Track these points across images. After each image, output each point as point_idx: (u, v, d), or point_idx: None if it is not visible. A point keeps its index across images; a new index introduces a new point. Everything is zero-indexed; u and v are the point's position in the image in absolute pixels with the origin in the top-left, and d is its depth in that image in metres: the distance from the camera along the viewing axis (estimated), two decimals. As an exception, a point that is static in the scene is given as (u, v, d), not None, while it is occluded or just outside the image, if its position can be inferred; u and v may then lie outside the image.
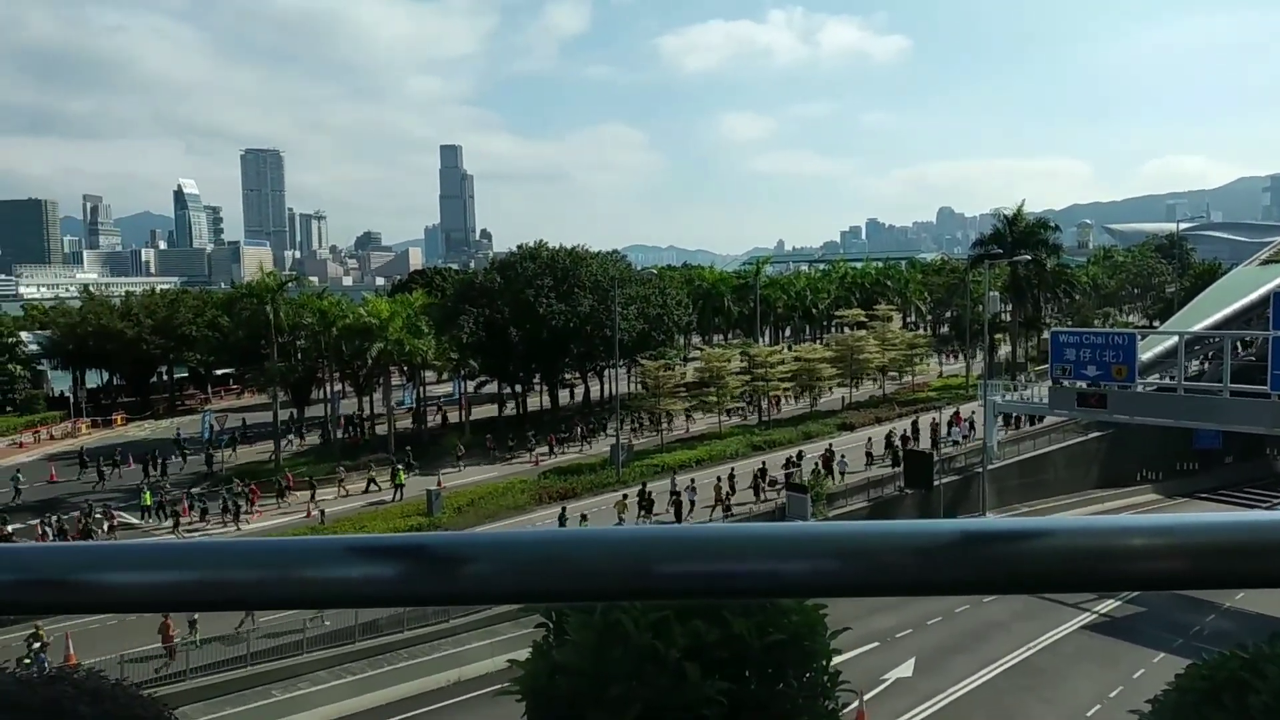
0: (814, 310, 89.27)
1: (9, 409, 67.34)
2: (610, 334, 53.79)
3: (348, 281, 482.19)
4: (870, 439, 50.68)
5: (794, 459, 46.78)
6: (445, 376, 66.86)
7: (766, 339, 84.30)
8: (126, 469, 51.06)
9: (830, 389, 63.79)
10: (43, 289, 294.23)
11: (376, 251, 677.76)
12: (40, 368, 71.73)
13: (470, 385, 63.97)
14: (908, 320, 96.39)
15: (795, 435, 54.60)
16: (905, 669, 27.68)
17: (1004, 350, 75.05)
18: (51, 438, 62.47)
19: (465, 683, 26.21)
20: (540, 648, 8.84)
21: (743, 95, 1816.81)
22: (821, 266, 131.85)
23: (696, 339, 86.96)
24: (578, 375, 66.15)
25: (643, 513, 40.09)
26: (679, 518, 39.11)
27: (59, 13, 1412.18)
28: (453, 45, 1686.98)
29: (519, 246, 64.40)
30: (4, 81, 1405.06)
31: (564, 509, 39.59)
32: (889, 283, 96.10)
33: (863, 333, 67.20)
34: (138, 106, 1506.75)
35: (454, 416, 63.03)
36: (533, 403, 65.21)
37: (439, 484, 44.87)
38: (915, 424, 53.79)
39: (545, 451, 52.92)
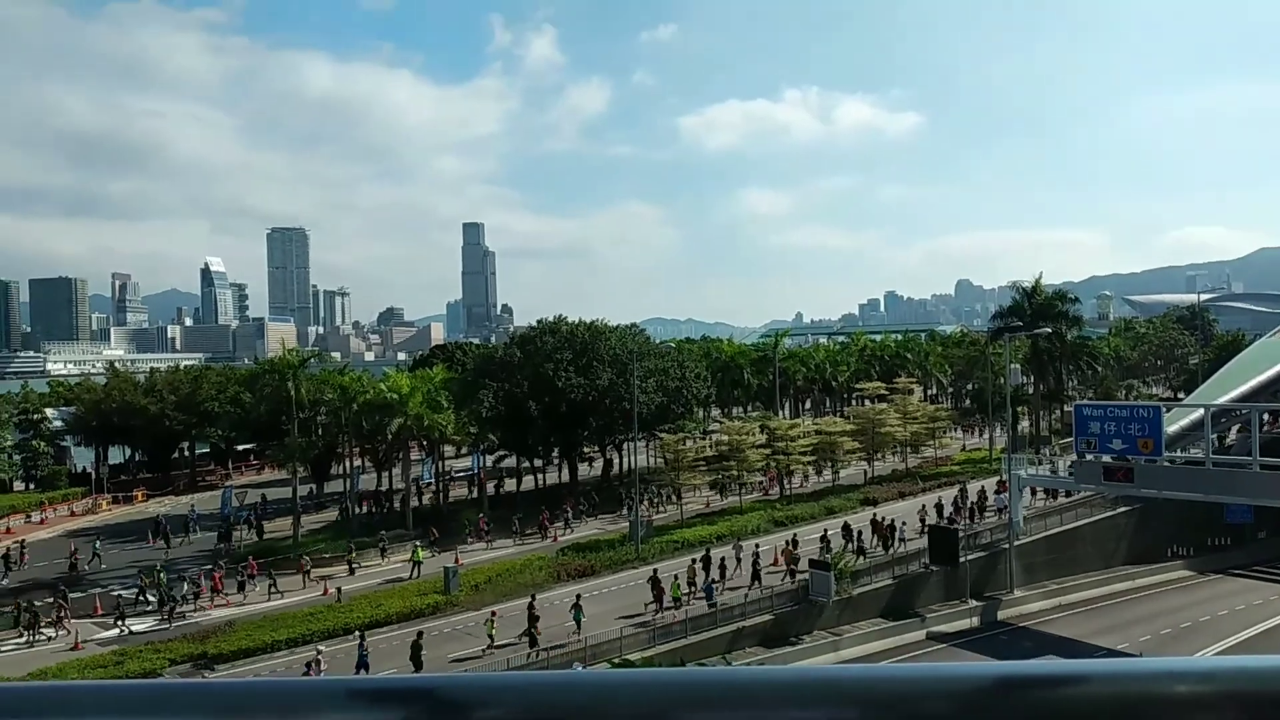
0: (834, 383, 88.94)
1: (32, 485, 67.71)
2: (629, 407, 53.71)
3: (370, 356, 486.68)
4: (925, 506, 50.32)
5: (840, 533, 46.24)
6: (464, 450, 66.76)
7: (786, 412, 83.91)
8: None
9: (851, 462, 63.15)
10: (69, 365, 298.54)
11: (399, 326, 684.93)
12: (64, 444, 72.33)
13: (489, 459, 63.80)
14: (928, 393, 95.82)
15: (818, 510, 53.87)
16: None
17: (1026, 423, 74.26)
18: (72, 514, 62.57)
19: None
20: None
21: (761, 171, 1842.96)
22: (840, 339, 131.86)
23: (716, 412, 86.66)
24: (597, 449, 65.92)
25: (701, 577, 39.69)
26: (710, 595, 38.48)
27: (97, 98, 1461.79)
28: (478, 126, 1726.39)
29: (539, 321, 64.89)
30: (42, 165, 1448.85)
31: (578, 597, 36.93)
32: (909, 355, 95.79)
33: (883, 405, 66.76)
34: (169, 189, 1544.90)
35: (474, 491, 62.73)
36: (551, 477, 64.96)
37: (456, 560, 44.44)
38: (964, 490, 54.05)
39: (561, 526, 52.38)
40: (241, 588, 41.10)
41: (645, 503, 54.90)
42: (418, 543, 46.33)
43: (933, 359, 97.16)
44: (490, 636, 34.25)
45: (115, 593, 40.06)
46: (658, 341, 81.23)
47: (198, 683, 0.80)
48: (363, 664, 31.21)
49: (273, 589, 41.80)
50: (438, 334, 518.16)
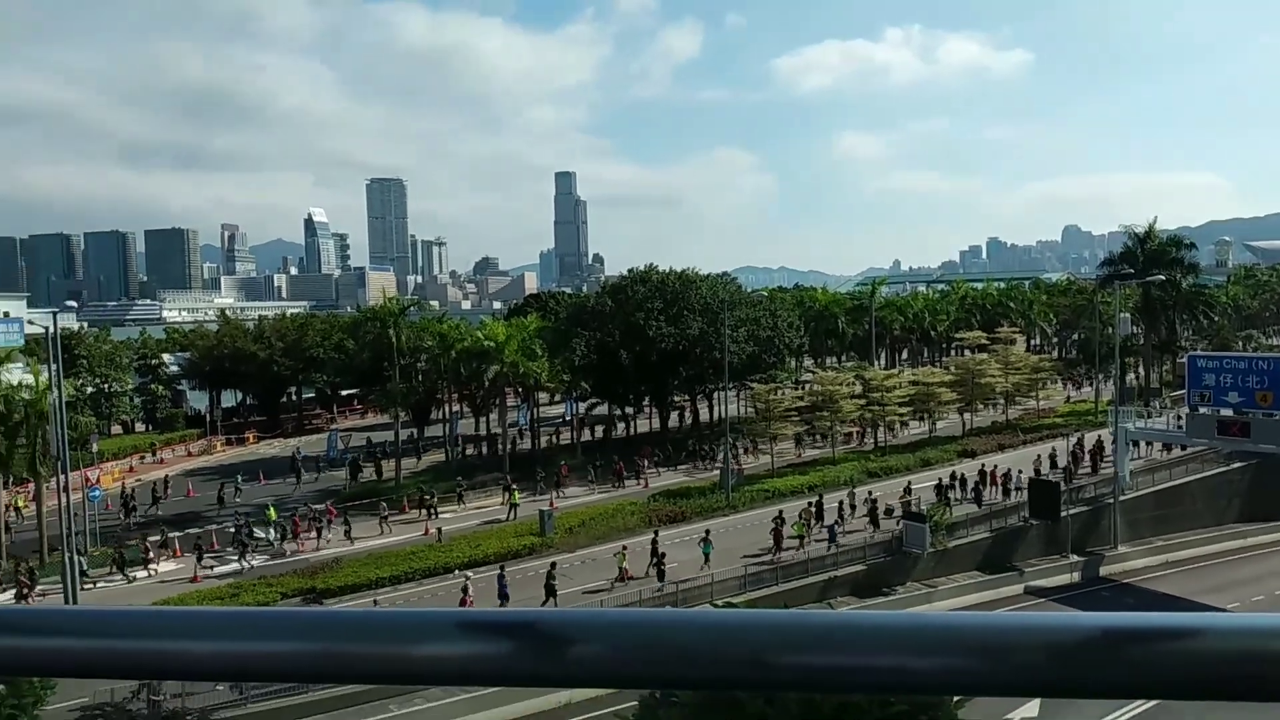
0: (932, 332, 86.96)
1: (151, 426, 71.57)
2: (720, 356, 53.59)
3: (466, 305, 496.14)
4: (1039, 455, 49.16)
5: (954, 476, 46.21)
6: (558, 398, 67.81)
7: (882, 362, 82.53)
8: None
9: (949, 414, 61.88)
10: (183, 313, 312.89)
11: (494, 276, 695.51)
12: (180, 388, 76.07)
13: (582, 407, 64.68)
14: (1032, 343, 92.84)
15: (913, 461, 53.09)
16: (1030, 708, 26.40)
17: (1135, 375, 71.41)
18: (189, 454, 66.01)
19: (575, 705, 26.28)
20: (647, 704, 8.60)
21: (858, 114, 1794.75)
22: (940, 287, 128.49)
23: (809, 362, 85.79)
24: (687, 398, 66.13)
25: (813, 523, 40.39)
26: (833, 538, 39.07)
27: (210, 53, 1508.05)
28: (570, 75, 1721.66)
29: (630, 270, 65.02)
30: (156, 121, 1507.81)
31: (707, 532, 38.22)
32: (1012, 304, 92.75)
33: (984, 356, 65.00)
34: (274, 141, 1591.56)
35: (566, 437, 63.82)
36: (642, 425, 65.53)
37: (551, 504, 45.44)
38: (1080, 442, 52.72)
39: (635, 476, 52.77)
40: (319, 534, 42.46)
41: (740, 450, 54.83)
42: (514, 486, 47.46)
43: (1037, 308, 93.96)
44: (621, 569, 35.56)
45: (232, 528, 42.15)
46: (749, 290, 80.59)
47: (316, 612, 0.84)
48: (503, 595, 32.90)
49: (384, 524, 43.52)
50: (531, 283, 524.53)
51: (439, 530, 42.35)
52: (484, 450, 60.71)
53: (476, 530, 43.12)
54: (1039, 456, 49.53)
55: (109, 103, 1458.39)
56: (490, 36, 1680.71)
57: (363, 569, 36.69)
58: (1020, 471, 46.54)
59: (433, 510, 45.66)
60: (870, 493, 44.12)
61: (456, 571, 36.36)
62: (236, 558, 39.62)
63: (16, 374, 43.15)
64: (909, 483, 46.32)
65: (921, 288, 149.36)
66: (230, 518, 44.37)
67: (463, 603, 32.04)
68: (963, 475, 47.16)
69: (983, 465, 48.37)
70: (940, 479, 46.41)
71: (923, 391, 59.23)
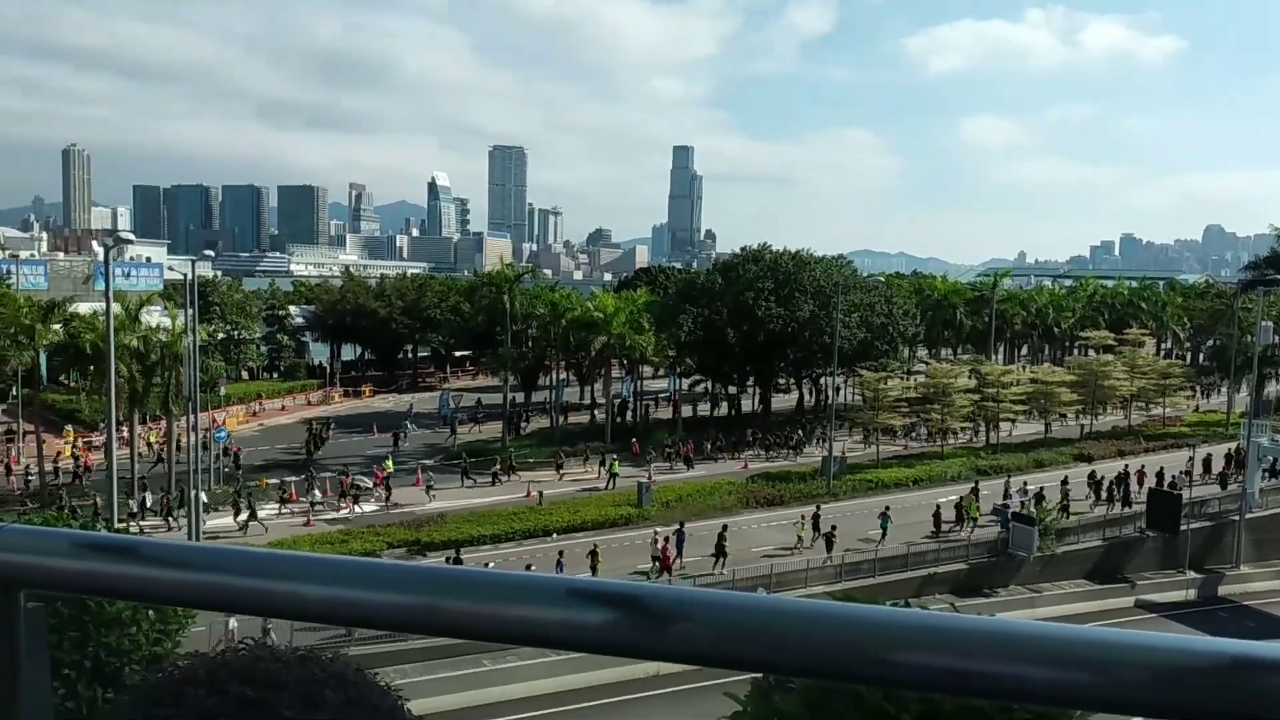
0: (1055, 329, 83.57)
1: (275, 375, 74.99)
2: (830, 341, 52.73)
3: (578, 275, 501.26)
4: (1192, 460, 47.03)
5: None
6: (662, 373, 68.03)
7: (1000, 357, 79.84)
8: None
9: (1067, 416, 59.47)
10: (310, 267, 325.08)
11: (606, 248, 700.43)
12: (303, 339, 79.41)
13: (685, 383, 64.71)
14: (1162, 347, 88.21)
15: (1025, 462, 51.31)
16: None
17: (1274, 387, 67.13)
18: (309, 404, 68.92)
19: (666, 675, 26.50)
20: (761, 688, 8.51)
21: (990, 98, 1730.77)
22: (1067, 282, 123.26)
23: (922, 352, 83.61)
24: (793, 381, 65.40)
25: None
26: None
27: (345, 18, 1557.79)
28: (695, 47, 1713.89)
29: (742, 248, 64.46)
30: (293, 81, 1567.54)
31: (886, 508, 39.37)
32: (1143, 305, 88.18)
33: (1109, 357, 62.15)
34: (403, 104, 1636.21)
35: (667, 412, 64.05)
36: (745, 405, 65.15)
37: (649, 477, 45.73)
38: (1207, 454, 49.86)
39: (756, 454, 52.55)
40: (386, 498, 43.38)
41: (845, 439, 53.97)
42: (614, 456, 47.91)
43: (1170, 310, 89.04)
44: (800, 538, 37.09)
45: (349, 477, 43.87)
46: (865, 275, 78.93)
47: (427, 568, 0.87)
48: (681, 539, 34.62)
49: (465, 476, 45.15)
50: (642, 256, 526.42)
51: (540, 494, 43.18)
52: (590, 418, 61.46)
53: (575, 497, 43.79)
54: (1161, 466, 47.18)
55: (252, 62, 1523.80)
56: (618, 6, 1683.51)
57: (465, 525, 37.75)
58: (1141, 479, 44.51)
59: (510, 472, 46.82)
60: (1065, 478, 43.64)
61: (555, 535, 37.04)
62: (347, 505, 41.31)
63: (155, 316, 45.73)
64: (1024, 482, 44.99)
65: (1047, 282, 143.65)
66: (343, 466, 46.22)
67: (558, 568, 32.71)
68: (1084, 478, 45.46)
69: (1093, 470, 46.48)
70: (1065, 477, 45.01)
71: (1041, 390, 57.06)
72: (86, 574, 0.95)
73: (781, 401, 65.65)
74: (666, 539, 35.07)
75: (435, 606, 0.84)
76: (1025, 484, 44.68)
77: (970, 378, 55.45)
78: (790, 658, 0.75)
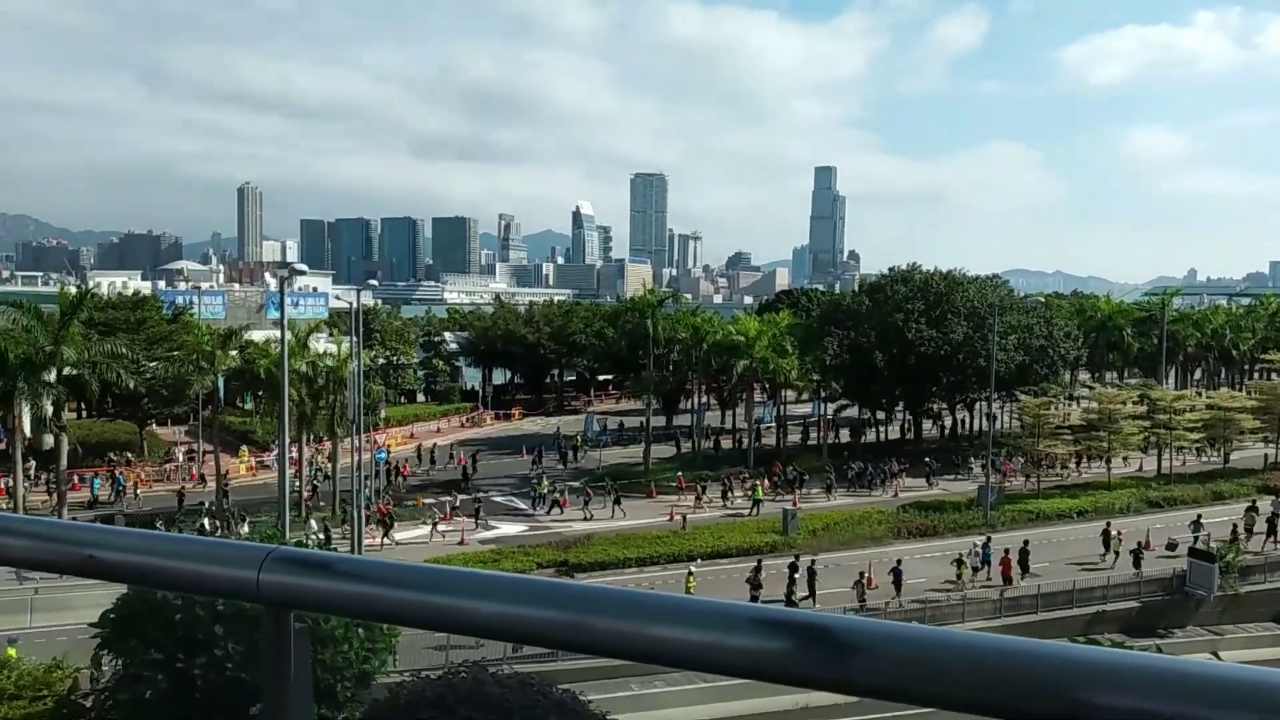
0: (1234, 351, 77.74)
1: (430, 398, 78.04)
2: (985, 364, 50.65)
3: (717, 299, 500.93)
4: None
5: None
6: (805, 397, 66.99)
7: (1171, 381, 74.83)
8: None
9: (1248, 444, 55.02)
10: (462, 295, 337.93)
11: (745, 271, 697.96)
12: (457, 364, 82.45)
13: (830, 408, 63.50)
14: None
15: (1202, 494, 47.78)
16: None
17: None
18: (462, 425, 71.32)
19: (813, 709, 25.86)
20: None
21: (1155, 107, 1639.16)
22: (1245, 301, 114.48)
23: (1085, 376, 79.31)
24: (944, 406, 63.16)
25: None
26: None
27: (495, 53, 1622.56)
28: (839, 68, 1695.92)
29: (890, 269, 62.96)
30: (445, 116, 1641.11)
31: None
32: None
33: (1297, 381, 57.24)
34: (549, 136, 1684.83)
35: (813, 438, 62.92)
36: (893, 431, 63.33)
37: (795, 504, 44.96)
38: None
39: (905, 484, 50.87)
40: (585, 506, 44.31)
41: (1006, 465, 51.65)
42: (758, 482, 47.37)
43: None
44: (960, 575, 35.41)
45: (499, 498, 45.13)
46: (1021, 295, 75.67)
47: (604, 589, 0.88)
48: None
49: (617, 506, 44.90)
50: (783, 279, 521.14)
51: (683, 518, 43.11)
52: (733, 443, 61.08)
53: (719, 522, 43.49)
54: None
55: (406, 100, 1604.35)
56: (762, 30, 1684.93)
57: (611, 548, 38.06)
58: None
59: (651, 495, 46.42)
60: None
61: (699, 560, 36.87)
62: (499, 523, 42.38)
63: (322, 343, 48.40)
64: (1198, 516, 41.79)
65: (1222, 301, 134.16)
66: (494, 487, 47.55)
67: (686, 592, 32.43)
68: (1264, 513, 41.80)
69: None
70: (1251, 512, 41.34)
71: (1219, 417, 53.07)
72: (347, 596, 0.98)
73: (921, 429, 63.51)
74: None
75: (645, 633, 0.85)
76: (1199, 518, 41.42)
77: (1140, 403, 52.17)
78: (975, 695, 0.72)
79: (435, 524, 41.42)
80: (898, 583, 33.09)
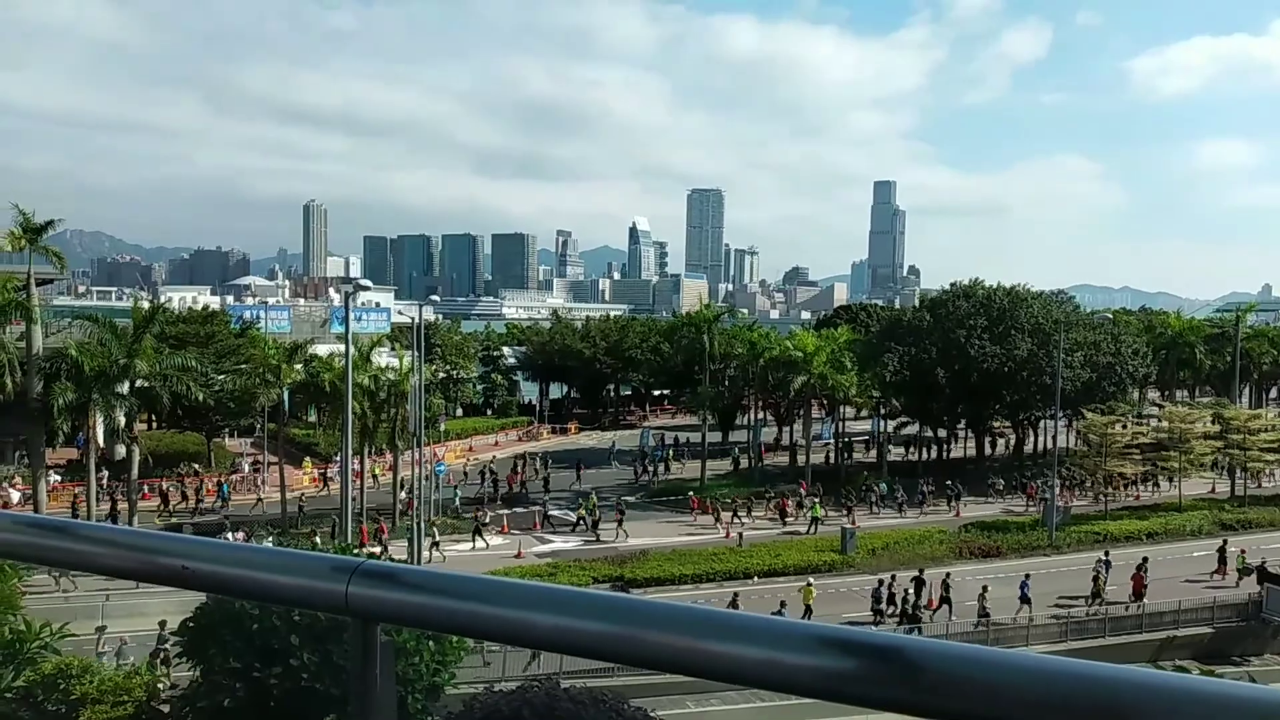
0: (1312, 370, 75.05)
1: (489, 412, 78.80)
2: (1050, 382, 49.57)
3: (774, 314, 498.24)
4: None
5: None
6: (864, 414, 66.20)
7: (1246, 400, 72.43)
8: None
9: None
10: (520, 310, 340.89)
11: (802, 285, 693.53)
12: (515, 378, 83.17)
13: (890, 425, 62.62)
14: None
15: (1278, 516, 46.12)
16: None
17: None
18: (520, 439, 71.83)
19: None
20: None
21: (1227, 118, 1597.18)
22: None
23: (1154, 394, 77.17)
24: (1008, 424, 61.91)
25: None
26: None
27: (552, 69, 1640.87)
28: (898, 80, 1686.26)
29: (951, 284, 62.03)
30: (504, 133, 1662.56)
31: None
32: None
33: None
34: (606, 151, 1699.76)
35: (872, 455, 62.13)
36: (955, 450, 62.23)
37: (853, 523, 44.40)
38: None
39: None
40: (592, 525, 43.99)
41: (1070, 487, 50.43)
42: (817, 499, 46.90)
43: None
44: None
45: (550, 512, 45.28)
46: (1088, 310, 74.00)
47: (663, 605, 0.89)
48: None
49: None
50: (840, 294, 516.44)
51: (740, 535, 42.84)
52: (791, 459, 60.61)
53: (776, 540, 43.11)
54: None
55: (465, 116, 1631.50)
56: (821, 44, 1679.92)
57: (667, 564, 37.95)
58: None
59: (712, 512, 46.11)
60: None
61: (755, 578, 36.57)
62: (554, 537, 42.53)
63: (384, 357, 49.19)
64: None
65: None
66: (553, 501, 47.71)
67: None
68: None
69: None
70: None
71: (1297, 437, 51.21)
72: (430, 610, 1.00)
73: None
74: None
75: (704, 648, 0.86)
76: None
77: (1213, 423, 50.60)
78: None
79: (436, 540, 39.87)
80: (979, 602, 32.77)
